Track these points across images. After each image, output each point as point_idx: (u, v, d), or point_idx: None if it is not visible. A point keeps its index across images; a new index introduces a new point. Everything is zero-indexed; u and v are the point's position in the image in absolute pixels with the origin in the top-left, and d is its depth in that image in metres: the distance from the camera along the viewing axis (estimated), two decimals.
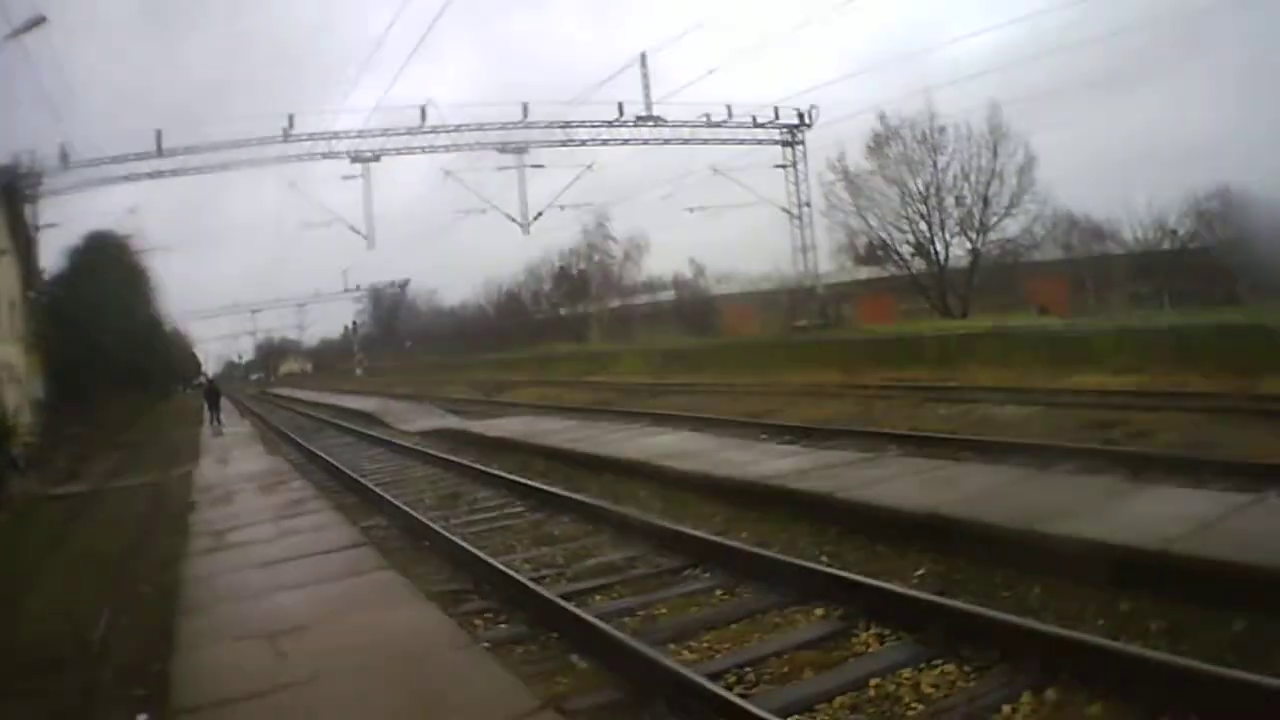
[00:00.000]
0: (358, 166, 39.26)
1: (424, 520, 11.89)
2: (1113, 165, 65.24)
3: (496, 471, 15.67)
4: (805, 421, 19.11)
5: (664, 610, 7.67)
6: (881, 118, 48.86)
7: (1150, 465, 11.16)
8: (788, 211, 44.46)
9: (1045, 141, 49.10)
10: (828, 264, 51.00)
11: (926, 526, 8.47)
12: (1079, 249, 53.59)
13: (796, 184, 44.63)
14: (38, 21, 25.02)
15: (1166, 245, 49.49)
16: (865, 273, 56.90)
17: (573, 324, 76.22)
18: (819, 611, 7.10)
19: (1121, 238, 52.76)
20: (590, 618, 7.17)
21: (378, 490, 15.10)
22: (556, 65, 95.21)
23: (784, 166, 44.33)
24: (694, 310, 66.26)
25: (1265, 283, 45.29)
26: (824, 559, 8.42)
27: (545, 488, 13.42)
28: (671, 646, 6.66)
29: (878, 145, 49.80)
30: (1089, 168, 68.79)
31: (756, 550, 8.63)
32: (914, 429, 16.36)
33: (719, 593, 7.97)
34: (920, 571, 7.80)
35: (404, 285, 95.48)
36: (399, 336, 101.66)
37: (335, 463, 19.81)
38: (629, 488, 13.15)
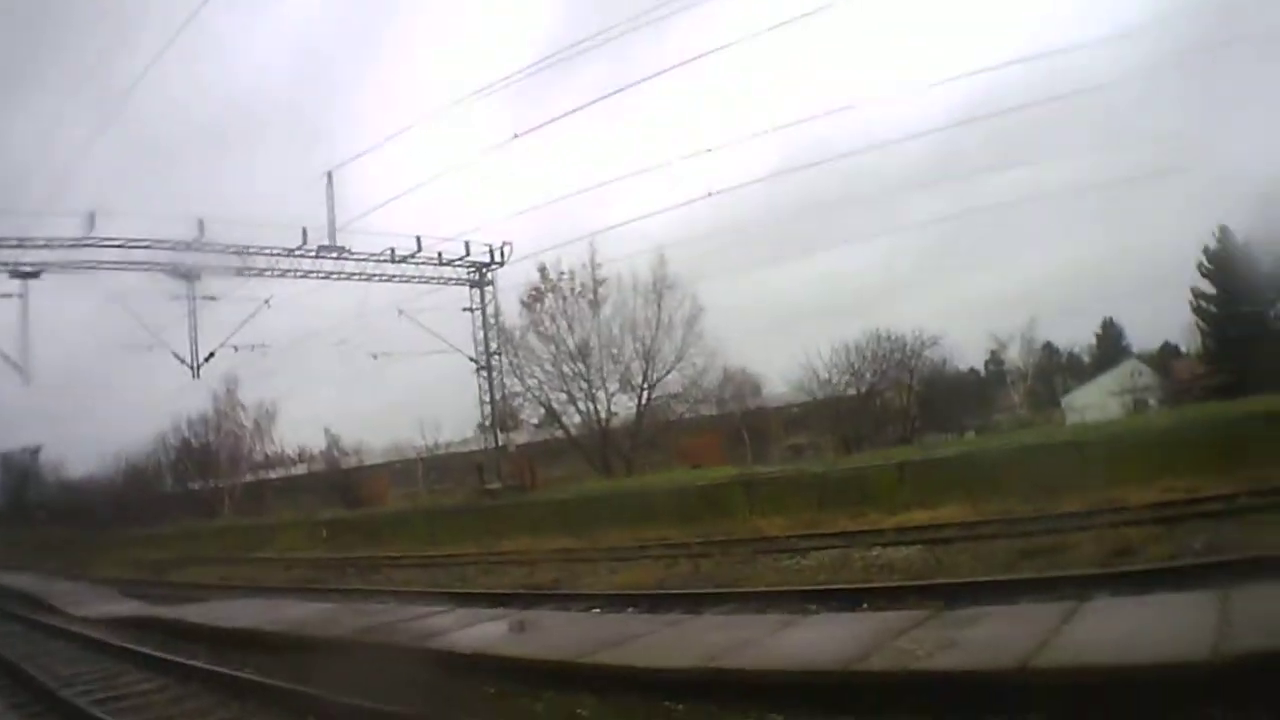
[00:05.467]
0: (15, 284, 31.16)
1: None
2: (777, 317, 67.68)
3: (280, 684, 10.41)
4: (636, 587, 16.04)
5: None
6: (541, 269, 47.01)
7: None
8: (475, 360, 40.17)
9: (713, 290, 50.57)
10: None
11: None
12: (734, 403, 53.62)
13: (485, 330, 40.45)
14: None
15: (852, 392, 51.01)
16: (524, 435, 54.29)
17: (205, 498, 69.07)
18: None
19: (778, 389, 54.62)
20: None
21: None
22: (237, 193, 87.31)
23: (471, 310, 40.10)
24: (336, 481, 62.71)
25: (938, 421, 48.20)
26: None
27: None
28: None
29: (533, 300, 47.84)
30: (756, 318, 70.10)
31: None
32: (804, 585, 14.32)
33: None
34: None
35: (36, 452, 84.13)
36: (30, 507, 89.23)
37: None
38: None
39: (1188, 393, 50.88)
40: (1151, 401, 53.09)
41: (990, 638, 8.10)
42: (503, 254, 39.57)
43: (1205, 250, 52.91)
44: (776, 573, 16.28)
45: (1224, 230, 52.03)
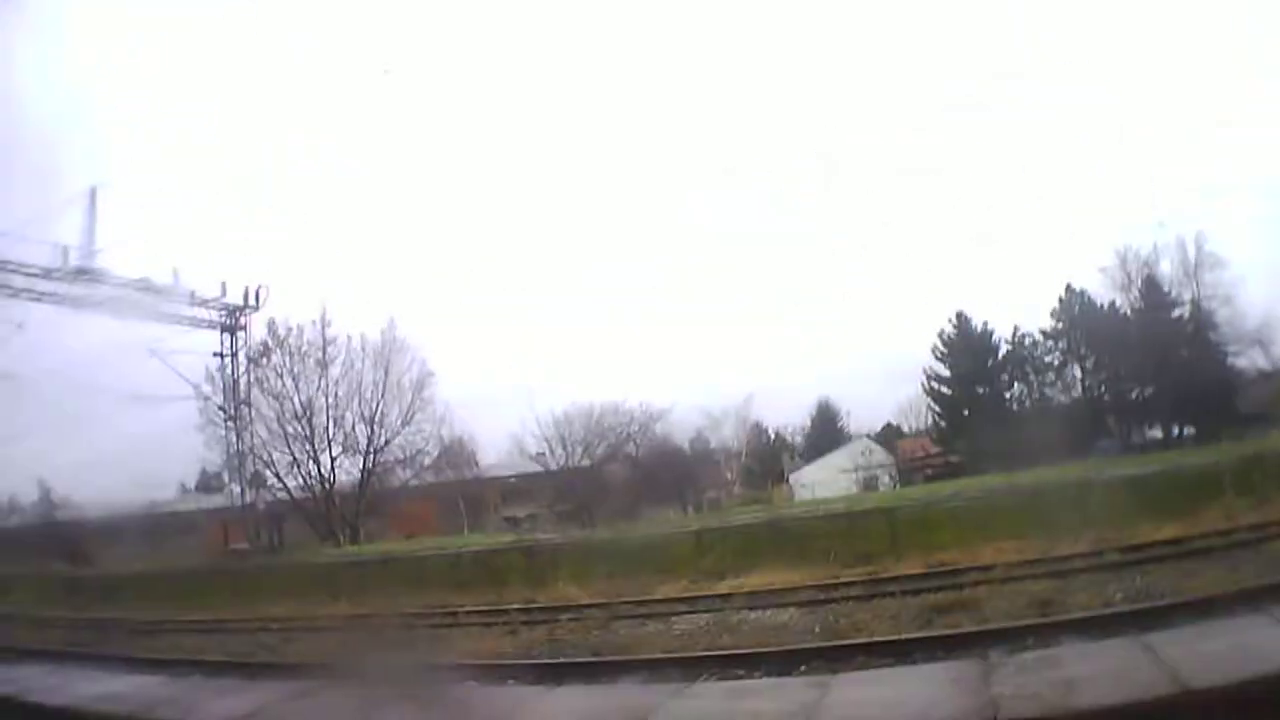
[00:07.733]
0: None
1: None
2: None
3: None
4: (498, 656, 14.59)
5: None
6: (270, 324, 44.62)
7: None
8: (223, 410, 37.94)
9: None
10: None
11: None
12: (452, 471, 53.30)
13: (234, 376, 38.17)
14: None
15: (586, 463, 51.89)
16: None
17: None
18: None
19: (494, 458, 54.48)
20: None
21: None
22: None
23: (222, 355, 37.79)
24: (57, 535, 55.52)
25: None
26: None
27: None
28: None
29: (261, 355, 44.94)
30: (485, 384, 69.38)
31: None
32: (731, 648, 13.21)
33: None
34: None
35: None
36: None
37: None
38: None
39: (918, 471, 54.05)
40: (885, 478, 55.03)
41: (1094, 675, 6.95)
42: (257, 298, 37.57)
43: (940, 334, 56.19)
44: (659, 637, 15.33)
45: (960, 315, 55.57)
